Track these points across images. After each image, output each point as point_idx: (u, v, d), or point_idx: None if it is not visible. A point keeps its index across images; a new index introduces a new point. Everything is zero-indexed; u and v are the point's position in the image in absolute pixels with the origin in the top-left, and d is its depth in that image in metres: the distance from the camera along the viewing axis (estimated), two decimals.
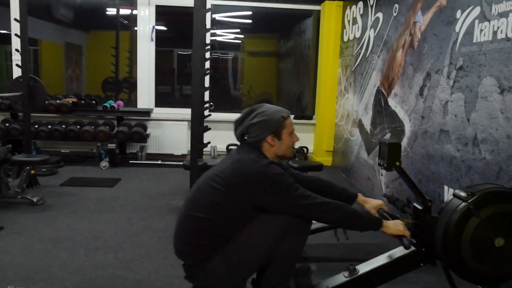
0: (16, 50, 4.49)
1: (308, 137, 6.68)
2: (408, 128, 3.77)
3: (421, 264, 1.99)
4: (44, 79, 8.60)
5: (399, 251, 2.01)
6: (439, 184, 3.17)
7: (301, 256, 1.89)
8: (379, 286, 2.05)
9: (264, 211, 1.84)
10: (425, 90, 3.47)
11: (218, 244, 1.81)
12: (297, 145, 6.52)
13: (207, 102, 4.54)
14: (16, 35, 4.48)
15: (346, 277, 1.97)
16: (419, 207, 1.96)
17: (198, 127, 3.57)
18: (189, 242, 1.83)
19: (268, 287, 1.90)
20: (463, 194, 1.87)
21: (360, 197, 2.21)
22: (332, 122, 6.31)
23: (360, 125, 5.11)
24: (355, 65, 5.35)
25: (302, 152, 6.51)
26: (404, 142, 3.81)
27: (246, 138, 1.93)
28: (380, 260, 2.00)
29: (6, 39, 6.18)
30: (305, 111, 7.19)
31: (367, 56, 4.96)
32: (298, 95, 8.03)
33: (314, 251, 3.10)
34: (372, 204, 2.17)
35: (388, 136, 4.22)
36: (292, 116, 6.50)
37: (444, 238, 1.85)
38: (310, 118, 6.73)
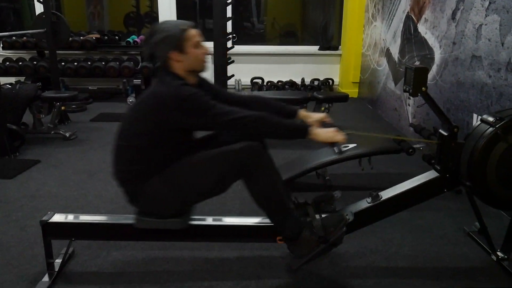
0: None
1: (333, 69, 6.54)
2: (438, 55, 3.63)
3: (445, 190, 1.99)
4: (66, 16, 8.57)
5: (423, 178, 2.02)
6: (468, 113, 3.09)
7: (282, 192, 1.85)
8: (402, 212, 2.08)
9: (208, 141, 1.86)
10: (457, 13, 3.29)
11: (151, 169, 1.83)
12: (322, 77, 6.42)
13: (229, 33, 4.45)
14: None
15: (369, 203, 2.01)
16: (445, 133, 1.93)
17: (221, 58, 3.53)
18: (122, 169, 1.87)
19: (282, 234, 1.93)
20: (491, 119, 1.83)
21: (302, 112, 2.09)
22: (358, 52, 6.11)
23: (388, 54, 4.94)
24: None
25: (327, 83, 6.42)
26: (433, 70, 3.69)
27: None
28: (404, 186, 2.01)
29: None
30: (331, 42, 6.97)
31: None
32: (324, 25, 7.75)
33: (338, 180, 3.15)
34: (314, 117, 2.05)
35: (417, 64, 4.08)
36: (315, 47, 6.26)
37: (470, 164, 1.83)
38: (336, 48, 6.54)
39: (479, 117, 1.92)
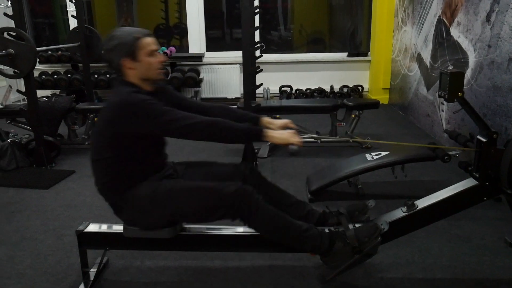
0: (70, 1, 4.59)
1: (363, 75, 6.46)
2: (472, 59, 3.52)
3: (484, 199, 1.92)
4: (98, 29, 8.82)
5: (461, 186, 1.95)
6: (506, 118, 2.98)
7: (284, 221, 1.83)
8: (439, 221, 2.02)
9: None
10: (492, 15, 3.19)
11: (125, 180, 1.83)
12: (351, 84, 6.34)
13: (257, 43, 4.46)
14: None
15: (404, 212, 1.96)
16: (483, 140, 1.87)
17: (249, 68, 3.54)
18: (99, 183, 1.88)
19: (312, 252, 1.91)
20: None
21: (264, 119, 2.06)
22: (388, 58, 6.02)
23: (419, 59, 4.84)
24: None
25: (356, 90, 6.34)
26: (467, 75, 3.58)
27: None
28: (441, 194, 1.95)
29: None
30: (360, 48, 6.90)
31: None
32: (352, 31, 7.68)
33: (371, 188, 3.09)
34: (277, 123, 2.03)
35: (450, 69, 3.97)
36: (344, 54, 6.19)
37: (511, 170, 1.76)
38: (365, 55, 6.46)
39: None
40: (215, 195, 1.80)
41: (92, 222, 2.09)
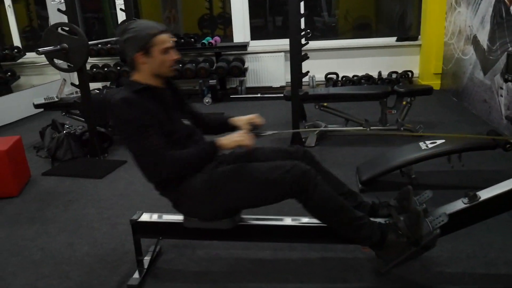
0: None
1: (413, 60, 6.20)
2: None
3: None
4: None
5: None
6: None
7: (342, 204, 1.78)
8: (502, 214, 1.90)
9: None
10: None
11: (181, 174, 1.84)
12: (401, 70, 6.11)
13: (303, 30, 4.38)
14: None
15: (465, 203, 1.85)
16: None
17: (296, 56, 3.48)
18: (154, 182, 1.89)
19: (363, 243, 1.86)
20: None
21: (232, 118, 2.08)
22: (440, 41, 5.73)
23: (475, 41, 4.58)
24: None
25: (406, 76, 6.10)
26: None
27: None
28: (506, 185, 1.83)
29: None
30: (409, 32, 6.62)
31: None
32: (401, 14, 7.38)
33: (426, 178, 2.97)
34: (243, 120, 2.04)
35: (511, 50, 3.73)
36: (392, 39, 5.97)
37: None
38: (415, 38, 6.19)
39: None
40: (274, 173, 1.76)
41: (145, 212, 2.13)
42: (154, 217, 2.11)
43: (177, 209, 1.95)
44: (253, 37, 6.68)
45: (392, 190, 2.85)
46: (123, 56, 1.87)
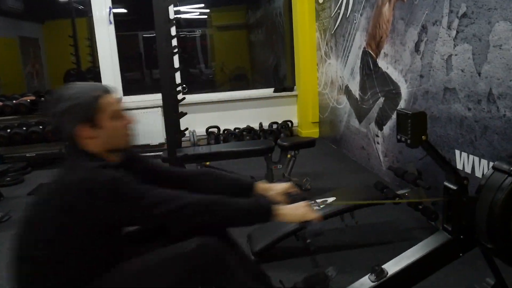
0: None
1: (291, 110, 6.29)
2: (404, 90, 3.42)
3: (460, 254, 1.65)
4: (2, 78, 7.96)
5: (432, 242, 1.67)
6: (449, 149, 2.84)
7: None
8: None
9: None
10: (421, 45, 3.10)
11: (83, 277, 1.33)
12: (280, 120, 6.14)
13: (179, 84, 4.09)
14: None
15: (373, 281, 1.63)
16: (453, 187, 1.61)
17: (172, 114, 3.14)
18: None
19: None
20: (505, 166, 1.52)
21: (260, 184, 1.69)
22: (315, 91, 5.93)
23: (348, 91, 4.74)
24: (335, 27, 4.93)
25: (286, 126, 6.14)
26: (401, 106, 3.47)
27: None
28: (410, 255, 1.65)
29: None
30: (284, 83, 6.78)
31: (347, 15, 4.54)
32: (275, 66, 7.60)
33: (320, 239, 2.75)
34: (276, 189, 1.67)
35: (382, 100, 3.87)
36: (269, 90, 5.93)
37: (489, 221, 1.51)
38: (291, 89, 6.33)
39: (491, 164, 1.62)
40: (177, 262, 1.35)
41: None
42: None
43: None
44: (129, 92, 6.20)
45: (289, 258, 2.61)
46: (58, 133, 1.35)
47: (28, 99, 5.46)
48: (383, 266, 1.65)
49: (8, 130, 5.22)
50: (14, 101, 5.38)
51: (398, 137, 1.61)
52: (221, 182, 1.68)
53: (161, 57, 3.02)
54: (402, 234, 2.76)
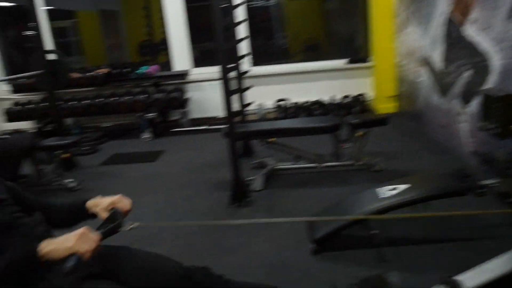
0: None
1: (365, 83, 5.85)
2: (496, 61, 2.94)
3: None
4: (87, 51, 8.37)
5: None
6: None
7: None
8: None
9: None
10: None
11: None
12: (354, 92, 5.76)
13: (242, 56, 3.91)
14: None
15: None
16: None
17: (228, 88, 2.93)
18: None
19: None
20: None
21: (90, 202, 1.50)
22: (392, 62, 5.43)
23: (428, 63, 4.27)
24: None
25: (360, 100, 5.72)
26: (491, 81, 3.01)
27: None
28: (495, 268, 1.36)
29: None
30: (359, 53, 6.32)
31: None
32: (349, 36, 7.14)
33: (388, 230, 2.49)
34: (102, 204, 1.46)
35: (467, 74, 3.40)
36: (343, 61, 5.56)
37: None
38: (366, 60, 5.87)
39: None
40: None
41: None
42: None
43: None
44: (200, 64, 6.14)
45: (350, 249, 2.39)
46: None
47: (102, 71, 5.62)
48: (457, 278, 1.38)
49: (83, 102, 5.44)
50: (87, 73, 5.58)
51: (483, 124, 1.30)
52: (60, 216, 1.56)
53: (218, 28, 2.83)
54: (486, 231, 2.39)
